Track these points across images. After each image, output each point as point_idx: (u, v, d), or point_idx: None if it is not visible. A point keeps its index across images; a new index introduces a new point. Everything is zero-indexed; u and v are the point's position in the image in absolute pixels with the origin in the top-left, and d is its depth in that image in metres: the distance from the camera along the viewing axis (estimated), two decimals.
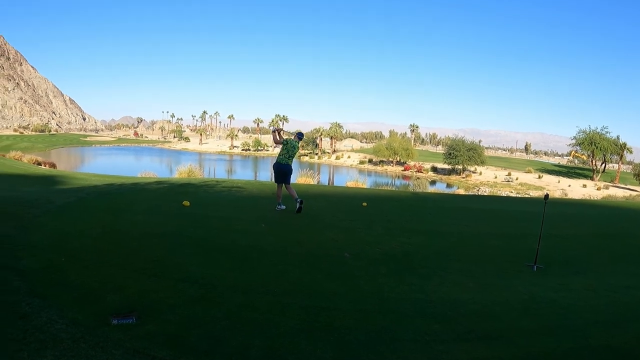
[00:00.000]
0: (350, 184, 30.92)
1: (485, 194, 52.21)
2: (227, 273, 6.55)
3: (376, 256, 8.09)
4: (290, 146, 12.14)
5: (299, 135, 12.72)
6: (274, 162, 12.36)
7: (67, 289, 5.47)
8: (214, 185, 17.71)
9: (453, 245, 9.56)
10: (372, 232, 10.29)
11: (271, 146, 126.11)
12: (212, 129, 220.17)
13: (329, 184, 52.31)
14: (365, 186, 29.84)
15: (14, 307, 4.76)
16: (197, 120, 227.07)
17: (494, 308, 5.86)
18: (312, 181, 28.65)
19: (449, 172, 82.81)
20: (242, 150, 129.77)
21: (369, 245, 8.90)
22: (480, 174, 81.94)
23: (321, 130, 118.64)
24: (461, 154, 78.81)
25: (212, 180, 20.47)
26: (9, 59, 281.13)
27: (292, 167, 12.41)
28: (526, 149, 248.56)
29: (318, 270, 7.05)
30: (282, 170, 12.12)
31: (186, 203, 11.95)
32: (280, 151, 12.19)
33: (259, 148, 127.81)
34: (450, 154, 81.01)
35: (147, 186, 16.88)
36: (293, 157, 12.27)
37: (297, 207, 11.66)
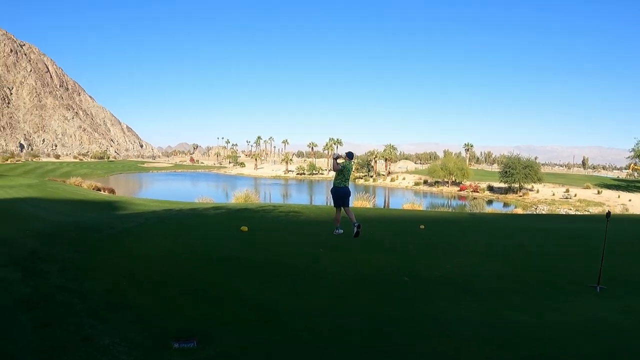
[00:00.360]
0: (407, 206, 30.65)
1: (543, 212, 50.73)
2: (286, 297, 6.54)
3: (435, 279, 7.93)
4: (345, 169, 12.23)
5: (349, 155, 12.67)
6: (331, 187, 12.43)
7: (128, 312, 5.59)
8: (271, 210, 17.90)
9: (512, 266, 9.26)
10: (429, 254, 10.18)
11: (326, 170, 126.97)
12: (266, 153, 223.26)
13: (384, 206, 51.99)
14: (421, 208, 29.56)
15: (76, 329, 4.88)
16: (251, 146, 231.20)
17: (556, 332, 5.60)
18: (368, 204, 28.59)
19: (506, 191, 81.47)
20: (297, 174, 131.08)
21: (428, 267, 8.74)
22: (538, 191, 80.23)
23: (375, 152, 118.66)
24: (517, 171, 77.02)
25: (269, 205, 20.72)
26: (67, 89, 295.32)
27: (350, 189, 12.48)
28: (583, 163, 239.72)
29: (377, 293, 6.97)
30: (341, 194, 12.16)
31: (244, 228, 12.11)
32: (336, 176, 12.28)
33: (314, 172, 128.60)
34: (506, 172, 79.37)
35: (205, 211, 17.22)
36: (349, 179, 12.36)
37: (355, 231, 11.60)
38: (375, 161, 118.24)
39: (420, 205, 31.99)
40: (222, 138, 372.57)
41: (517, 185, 79.88)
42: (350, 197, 12.63)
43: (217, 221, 14.74)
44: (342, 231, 12.13)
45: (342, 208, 12.31)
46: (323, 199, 65.11)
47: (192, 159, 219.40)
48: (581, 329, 5.76)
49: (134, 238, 10.79)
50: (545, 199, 71.92)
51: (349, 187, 12.43)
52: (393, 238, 12.31)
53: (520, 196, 76.78)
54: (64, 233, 11.11)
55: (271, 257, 9.17)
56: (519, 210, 45.82)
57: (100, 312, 5.47)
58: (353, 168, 12.70)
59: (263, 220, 14.91)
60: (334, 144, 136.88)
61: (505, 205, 66.58)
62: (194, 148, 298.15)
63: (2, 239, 10.40)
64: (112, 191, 43.51)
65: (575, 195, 73.56)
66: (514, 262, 9.70)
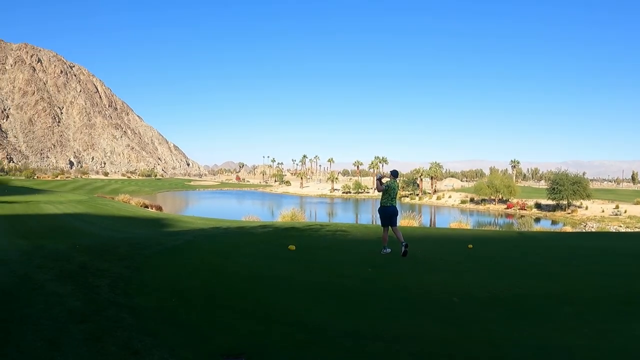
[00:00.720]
0: (454, 225, 30.36)
1: (592, 230, 49.20)
2: (335, 317, 6.49)
3: (485, 300, 7.72)
4: (390, 188, 12.25)
5: (394, 174, 12.68)
6: (378, 206, 12.47)
7: (177, 328, 5.64)
8: (318, 229, 17.95)
9: (564, 287, 8.93)
10: (479, 274, 9.94)
11: (371, 188, 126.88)
12: (312, 172, 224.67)
13: (430, 225, 51.49)
14: (468, 227, 29.09)
15: (126, 343, 4.95)
16: (297, 164, 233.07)
17: (612, 356, 5.36)
18: (414, 223, 28.36)
19: (554, 208, 79.99)
20: (343, 192, 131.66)
21: (477, 288, 8.53)
22: (587, 208, 78.40)
23: (421, 170, 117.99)
24: (565, 188, 75.59)
25: (316, 224, 20.76)
26: (116, 109, 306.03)
27: (397, 208, 12.47)
28: (633, 178, 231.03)
29: (427, 314, 6.84)
30: (388, 213, 12.20)
31: (292, 247, 12.19)
32: (382, 195, 12.30)
33: (360, 190, 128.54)
34: (554, 189, 78.03)
35: (252, 230, 17.37)
36: (395, 197, 12.37)
37: (403, 250, 11.54)
38: (421, 179, 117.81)
39: (467, 223, 31.61)
40: (268, 157, 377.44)
41: (565, 202, 78.66)
42: (397, 216, 12.61)
43: (265, 240, 14.87)
44: (389, 250, 12.11)
45: (389, 227, 12.31)
46: (369, 217, 64.90)
47: (238, 178, 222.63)
48: (639, 353, 5.53)
49: (183, 255, 10.97)
50: (595, 216, 70.32)
51: (396, 205, 12.44)
52: (441, 257, 12.19)
53: (569, 213, 75.44)
54: (113, 249, 11.38)
55: (319, 276, 9.17)
56: (568, 229, 44.48)
57: (150, 327, 5.54)
58: (399, 186, 12.58)
59: (310, 239, 14.98)
60: (380, 162, 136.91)
61: (554, 223, 65.20)
62: (240, 167, 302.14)
63: (53, 253, 10.72)
64: (159, 208, 44.50)
65: (625, 212, 71.61)
66: (567, 282, 9.39)
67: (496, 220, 65.32)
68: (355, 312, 6.86)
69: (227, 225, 19.65)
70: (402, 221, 27.20)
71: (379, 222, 12.89)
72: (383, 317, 6.65)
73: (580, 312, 7.17)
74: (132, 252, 10.89)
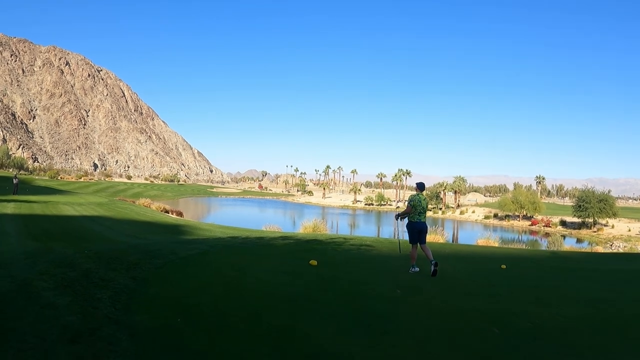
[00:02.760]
0: (481, 242, 29.23)
1: (619, 249, 47.62)
2: (363, 349, 5.68)
3: (527, 331, 6.89)
4: (416, 202, 11.29)
5: (420, 187, 11.69)
6: (406, 222, 11.61)
7: (180, 354, 4.95)
8: (342, 242, 17.17)
9: (613, 316, 8.07)
10: (517, 300, 9.10)
11: (394, 201, 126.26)
12: (335, 183, 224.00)
13: (453, 240, 50.33)
14: (496, 244, 27.90)
15: None
16: (320, 175, 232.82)
17: None
18: (441, 239, 27.38)
19: (579, 226, 78.76)
20: (365, 204, 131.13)
21: (517, 316, 7.69)
22: (613, 227, 76.68)
23: (445, 184, 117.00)
24: (592, 206, 74.22)
25: (339, 237, 19.94)
26: (141, 114, 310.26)
27: (426, 224, 11.62)
28: None
29: (466, 347, 6.03)
30: (417, 228, 11.32)
31: (314, 262, 11.43)
32: (414, 212, 11.41)
33: (382, 202, 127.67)
34: (580, 206, 76.62)
35: (272, 241, 16.67)
36: (424, 212, 11.49)
37: (432, 269, 10.79)
38: (445, 193, 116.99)
39: (495, 241, 30.39)
40: (291, 166, 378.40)
41: (590, 220, 77.35)
42: (426, 234, 11.72)
43: (285, 253, 14.13)
44: (417, 269, 11.33)
45: (418, 244, 11.48)
46: (391, 230, 63.85)
47: (260, 186, 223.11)
48: None
49: (196, 267, 10.29)
50: (621, 235, 68.87)
51: (425, 221, 11.57)
52: (474, 279, 11.39)
53: (595, 232, 74.27)
54: (123, 256, 10.78)
55: (343, 298, 8.35)
56: (599, 249, 42.91)
57: (147, 352, 4.87)
58: (426, 200, 11.73)
59: (334, 254, 14.22)
60: (403, 174, 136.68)
61: (579, 241, 64.30)
62: (263, 175, 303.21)
63: (60, 257, 10.16)
64: (179, 214, 44.27)
65: None
66: (614, 311, 8.53)
67: (520, 237, 64.12)
68: (385, 343, 6.06)
69: (247, 235, 19.00)
70: (428, 237, 26.35)
71: (406, 237, 12.03)
72: (417, 350, 5.85)
73: (636, 349, 6.36)
74: (143, 261, 10.26)
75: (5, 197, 33.27)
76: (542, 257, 17.69)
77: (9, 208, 25.01)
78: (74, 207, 30.37)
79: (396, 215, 11.84)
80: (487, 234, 34.82)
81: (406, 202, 12.10)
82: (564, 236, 68.50)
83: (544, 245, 51.07)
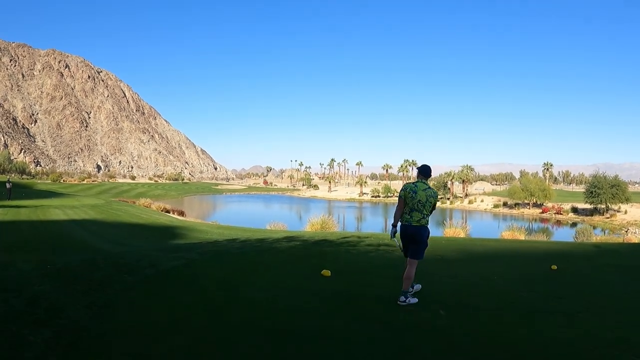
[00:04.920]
0: (506, 234, 26.39)
1: (637, 235, 45.20)
2: None
3: None
4: (408, 193, 7.38)
5: (423, 171, 7.63)
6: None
7: None
8: (356, 242, 14.73)
9: None
10: (602, 321, 6.61)
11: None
12: (340, 176, 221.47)
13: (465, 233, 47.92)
14: (523, 237, 24.89)
15: None
16: (325, 168, 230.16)
17: None
18: (462, 233, 24.98)
19: (591, 213, 76.67)
20: (372, 197, 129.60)
21: (610, 343, 5.50)
22: (625, 212, 74.62)
23: (452, 173, 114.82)
24: (604, 191, 72.13)
25: (352, 236, 17.23)
26: (143, 113, 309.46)
27: (428, 230, 7.46)
28: None
29: None
30: (407, 234, 7.39)
31: (326, 273, 9.02)
32: (404, 209, 7.48)
33: (389, 194, 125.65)
34: (591, 192, 74.37)
35: (275, 243, 14.45)
36: (423, 209, 7.31)
37: (400, 299, 7.22)
38: (452, 182, 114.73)
39: (520, 232, 27.03)
40: (296, 161, 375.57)
41: (603, 206, 75.27)
42: (423, 245, 7.45)
43: (290, 259, 11.67)
44: (420, 286, 8.00)
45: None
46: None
47: (265, 182, 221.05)
48: None
49: (176, 286, 8.02)
50: (635, 221, 66.56)
51: (426, 225, 7.42)
52: (528, 288, 8.72)
53: (608, 218, 72.19)
54: (90, 272, 8.71)
55: (373, 328, 6.00)
56: (633, 239, 39.91)
57: None
58: (427, 190, 7.37)
59: (348, 258, 11.77)
60: (409, 165, 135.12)
61: (593, 228, 61.62)
62: (268, 170, 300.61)
63: (11, 277, 8.16)
64: (181, 213, 42.56)
65: None
66: None
67: (530, 225, 61.57)
68: None
69: (247, 237, 16.77)
70: (446, 231, 24.05)
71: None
72: None
73: None
74: (111, 278, 8.13)
75: None
76: (588, 252, 14.70)
77: None
78: (65, 211, 28.34)
79: (392, 233, 7.52)
80: (510, 224, 32.12)
81: (417, 171, 7.97)
82: (575, 223, 66.70)
83: (564, 234, 49.69)
